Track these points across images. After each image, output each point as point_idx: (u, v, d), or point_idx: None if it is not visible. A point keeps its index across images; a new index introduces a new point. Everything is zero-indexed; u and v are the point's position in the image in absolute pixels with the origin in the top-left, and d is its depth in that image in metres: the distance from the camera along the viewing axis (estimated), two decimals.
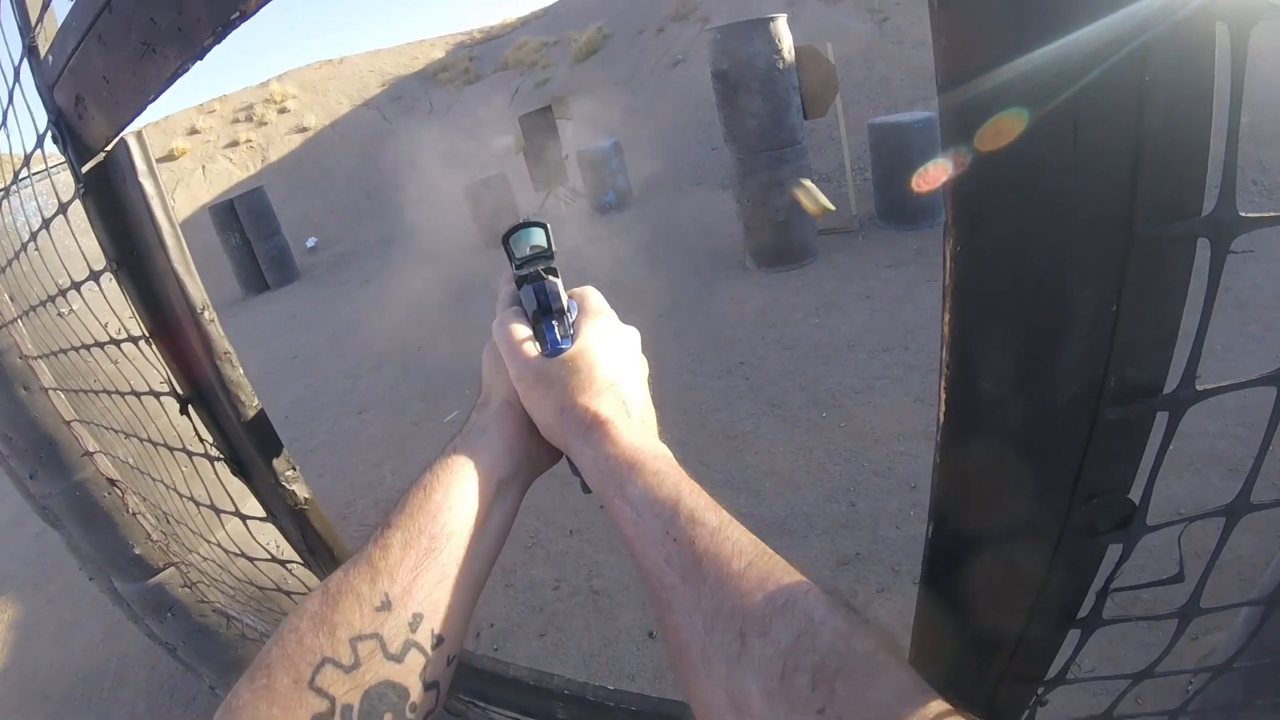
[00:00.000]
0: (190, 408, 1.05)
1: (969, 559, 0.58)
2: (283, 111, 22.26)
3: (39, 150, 0.96)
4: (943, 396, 0.51)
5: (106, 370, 1.35)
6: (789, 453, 4.49)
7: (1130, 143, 0.39)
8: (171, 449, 1.28)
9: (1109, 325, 0.44)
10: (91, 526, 2.08)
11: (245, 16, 0.60)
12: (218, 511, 1.27)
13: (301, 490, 1.06)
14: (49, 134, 0.90)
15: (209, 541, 1.73)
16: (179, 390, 1.05)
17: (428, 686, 0.56)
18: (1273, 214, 0.39)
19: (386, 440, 6.17)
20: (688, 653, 0.53)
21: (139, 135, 0.85)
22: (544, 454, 0.75)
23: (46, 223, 1.09)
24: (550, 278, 0.78)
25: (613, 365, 0.72)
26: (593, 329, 0.75)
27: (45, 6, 0.88)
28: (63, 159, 0.91)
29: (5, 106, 1.03)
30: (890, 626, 0.48)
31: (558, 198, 12.80)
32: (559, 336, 0.74)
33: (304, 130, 21.49)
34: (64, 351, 1.54)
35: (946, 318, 0.48)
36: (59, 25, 0.85)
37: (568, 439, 0.69)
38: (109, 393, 1.44)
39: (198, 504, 1.38)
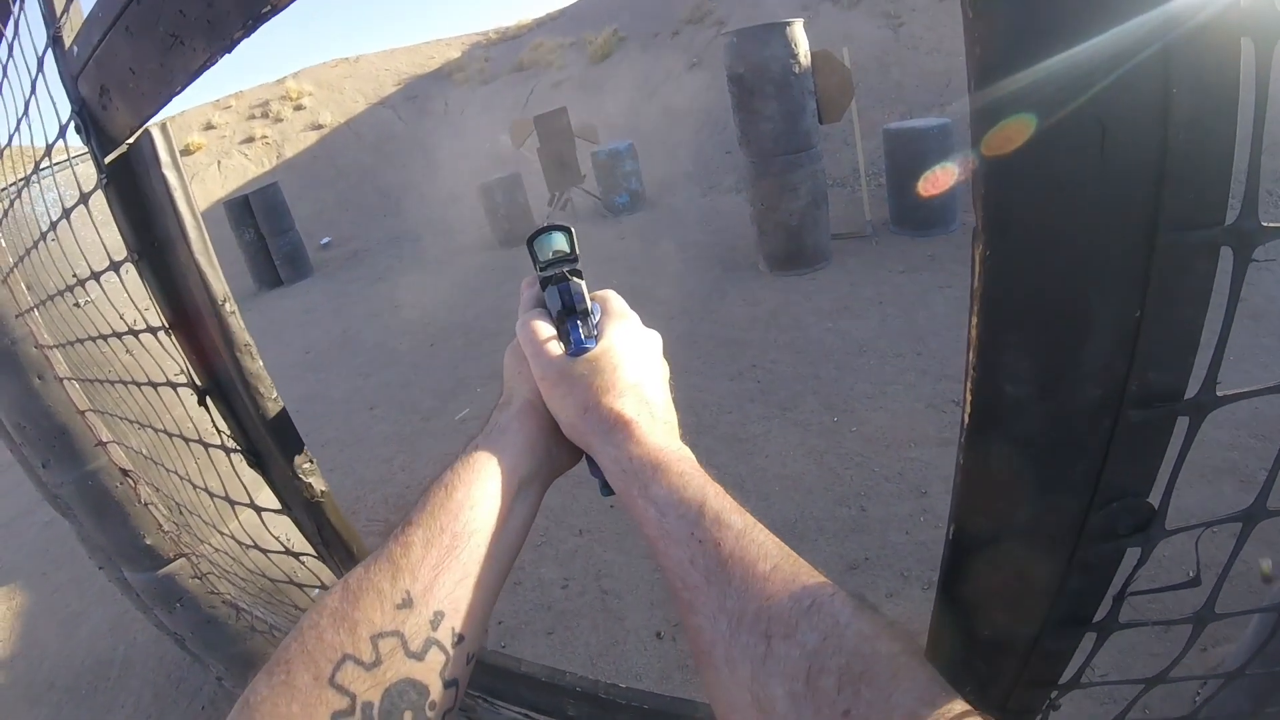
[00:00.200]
0: (208, 399, 1.06)
1: (988, 561, 0.58)
2: (298, 109, 22.31)
3: (60, 140, 0.96)
4: (968, 399, 0.51)
5: (122, 360, 1.35)
6: (800, 456, 4.48)
7: (1156, 153, 0.39)
8: (187, 440, 1.28)
9: (1133, 330, 0.44)
10: (103, 516, 2.09)
11: (276, 10, 0.60)
12: (232, 503, 1.28)
13: (318, 483, 1.07)
14: (71, 124, 0.91)
15: (221, 533, 1.74)
16: (197, 381, 1.05)
17: (447, 685, 0.56)
18: None
19: (397, 437, 6.18)
20: (711, 654, 0.53)
21: (163, 126, 0.85)
22: (564, 454, 0.75)
23: (67, 212, 1.09)
24: (575, 279, 0.79)
25: (636, 366, 0.73)
26: (616, 330, 0.75)
27: None
28: (83, 149, 0.91)
29: (28, 96, 1.04)
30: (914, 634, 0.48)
31: (571, 198, 12.80)
32: (583, 336, 0.74)
33: (319, 128, 21.54)
34: (80, 341, 1.54)
35: (974, 320, 0.48)
36: (84, 17, 0.85)
37: (590, 438, 0.69)
38: (125, 383, 1.45)
39: (211, 495, 1.38)
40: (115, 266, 1.02)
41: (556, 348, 0.74)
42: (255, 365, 0.97)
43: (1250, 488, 3.36)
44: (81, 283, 1.22)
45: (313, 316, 11.27)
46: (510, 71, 21.72)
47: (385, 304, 10.56)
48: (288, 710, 0.49)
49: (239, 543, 1.64)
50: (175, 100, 0.79)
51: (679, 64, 16.81)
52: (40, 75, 0.97)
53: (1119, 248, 0.42)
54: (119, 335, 1.23)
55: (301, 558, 1.32)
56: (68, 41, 0.88)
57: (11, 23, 1.04)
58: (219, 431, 1.12)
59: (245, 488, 1.19)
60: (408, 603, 0.56)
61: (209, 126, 21.70)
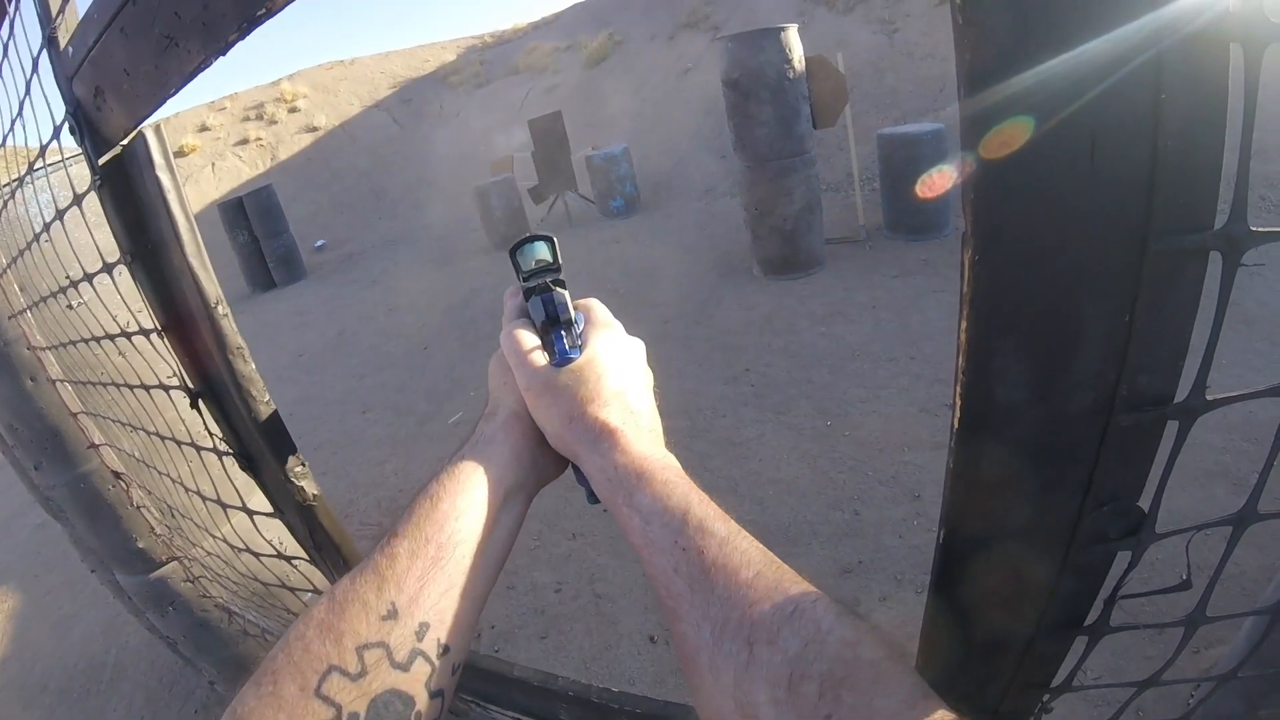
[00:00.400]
0: (200, 402, 1.05)
1: (979, 564, 0.58)
2: (293, 111, 22.29)
3: (54, 141, 0.96)
4: (958, 403, 0.51)
5: (115, 363, 1.35)
6: (793, 460, 4.48)
7: (1146, 159, 0.39)
8: (179, 443, 1.28)
9: (1123, 335, 0.44)
10: (95, 519, 2.08)
11: (271, 13, 0.60)
12: (224, 506, 1.27)
13: (310, 487, 1.06)
14: (65, 125, 0.91)
15: (213, 536, 1.73)
16: (189, 384, 1.05)
17: (433, 695, 0.57)
18: None
19: (390, 440, 6.17)
20: (696, 661, 0.53)
21: (157, 128, 0.85)
22: (550, 464, 0.76)
23: (61, 213, 1.09)
24: (558, 289, 0.79)
25: (620, 375, 0.73)
26: (600, 340, 0.75)
27: None
28: (77, 151, 0.91)
29: (22, 97, 1.04)
30: (892, 635, 0.48)
31: (566, 201, 12.81)
32: (567, 346, 0.75)
33: (314, 130, 21.52)
34: (73, 343, 1.54)
35: (964, 325, 0.48)
36: (80, 17, 0.85)
37: (576, 448, 0.69)
38: (117, 385, 1.44)
39: (203, 498, 1.38)
40: (108, 268, 1.02)
41: (541, 358, 0.74)
42: (248, 368, 0.96)
43: (1242, 491, 3.36)
44: (74, 284, 1.22)
45: (307, 319, 11.26)
46: (505, 75, 21.75)
47: (379, 307, 10.56)
48: None
49: (231, 546, 1.63)
50: (170, 101, 0.79)
51: (674, 68, 16.83)
52: (35, 76, 0.97)
53: (1109, 253, 0.42)
54: (111, 337, 1.22)
55: (294, 561, 1.31)
56: (63, 42, 0.88)
57: (7, 23, 1.04)
58: (211, 434, 1.11)
59: (237, 491, 1.19)
60: (393, 614, 0.56)
61: (203, 128, 21.67)
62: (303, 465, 1.06)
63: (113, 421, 1.76)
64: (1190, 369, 0.47)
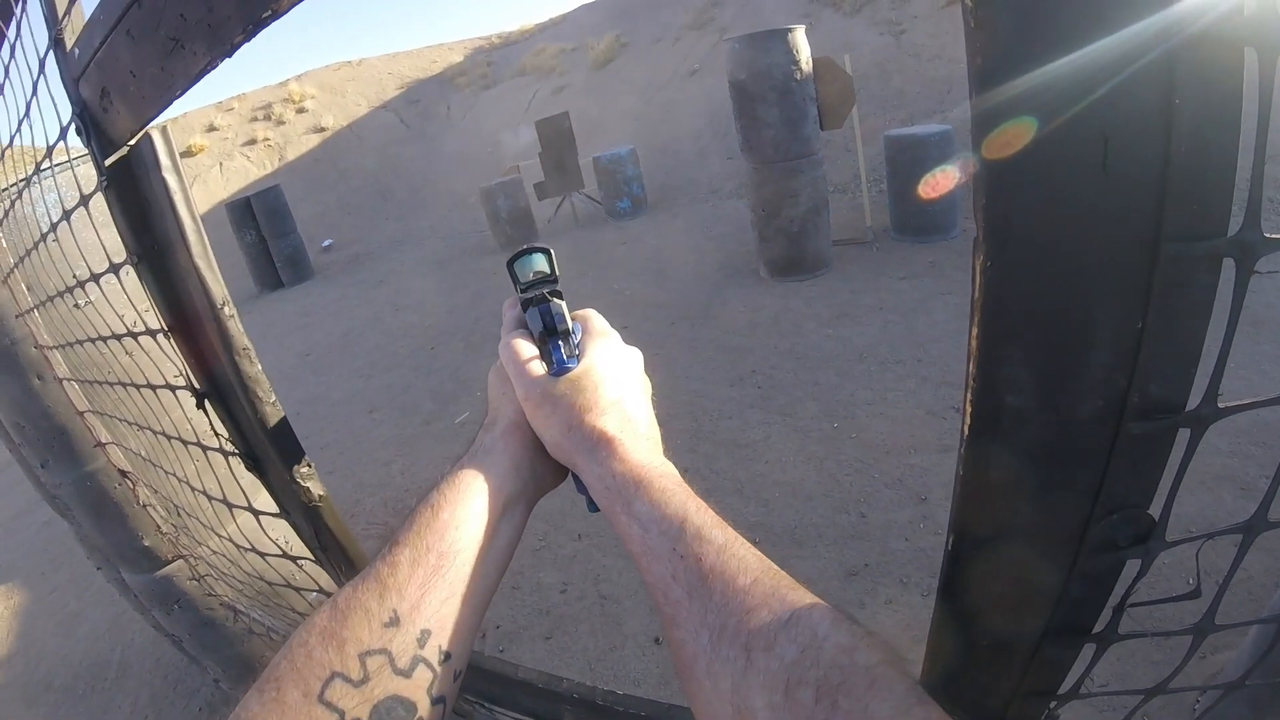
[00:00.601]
0: (206, 402, 1.05)
1: (988, 571, 0.58)
2: (301, 111, 22.36)
3: (61, 142, 0.96)
4: (967, 409, 0.51)
5: (122, 362, 1.35)
6: (799, 462, 4.48)
7: (1158, 164, 0.39)
8: (185, 443, 1.28)
9: (1134, 342, 0.44)
10: (101, 517, 2.09)
11: (277, 15, 0.60)
12: (230, 506, 1.27)
13: (316, 487, 1.06)
14: (72, 126, 0.91)
15: (219, 535, 1.74)
16: (195, 384, 1.05)
17: (435, 701, 0.57)
18: None
19: (396, 440, 6.18)
20: (694, 668, 0.54)
21: (163, 130, 0.85)
22: (550, 473, 0.76)
23: (68, 214, 1.09)
24: (555, 300, 0.80)
25: (618, 384, 0.74)
26: (598, 349, 0.76)
27: (73, 0, 0.89)
28: (84, 151, 0.91)
29: (29, 98, 1.04)
30: (898, 638, 0.48)
31: (573, 202, 12.83)
32: (565, 356, 0.76)
33: (321, 131, 21.58)
34: (80, 343, 1.54)
35: (974, 331, 0.48)
36: (86, 19, 0.85)
37: (574, 457, 0.70)
38: (124, 385, 1.45)
39: (209, 498, 1.38)
40: (115, 269, 1.02)
41: (539, 368, 0.75)
42: (254, 369, 0.96)
43: (1250, 495, 3.37)
44: (81, 284, 1.22)
45: (313, 319, 11.28)
46: (512, 76, 21.79)
47: (386, 307, 10.58)
48: None
49: (237, 545, 1.64)
50: (178, 102, 0.79)
51: (681, 70, 16.83)
52: (42, 77, 0.97)
53: (1121, 259, 0.42)
54: (118, 337, 1.22)
55: (299, 561, 1.32)
56: (69, 44, 0.88)
57: (14, 24, 1.04)
58: (217, 434, 1.12)
59: (243, 491, 1.19)
60: (395, 621, 0.56)
61: (211, 128, 21.75)
62: (308, 466, 1.06)
63: (119, 420, 1.77)
64: (1202, 375, 0.46)
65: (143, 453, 1.81)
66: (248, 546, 1.51)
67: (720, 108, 11.68)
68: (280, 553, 1.34)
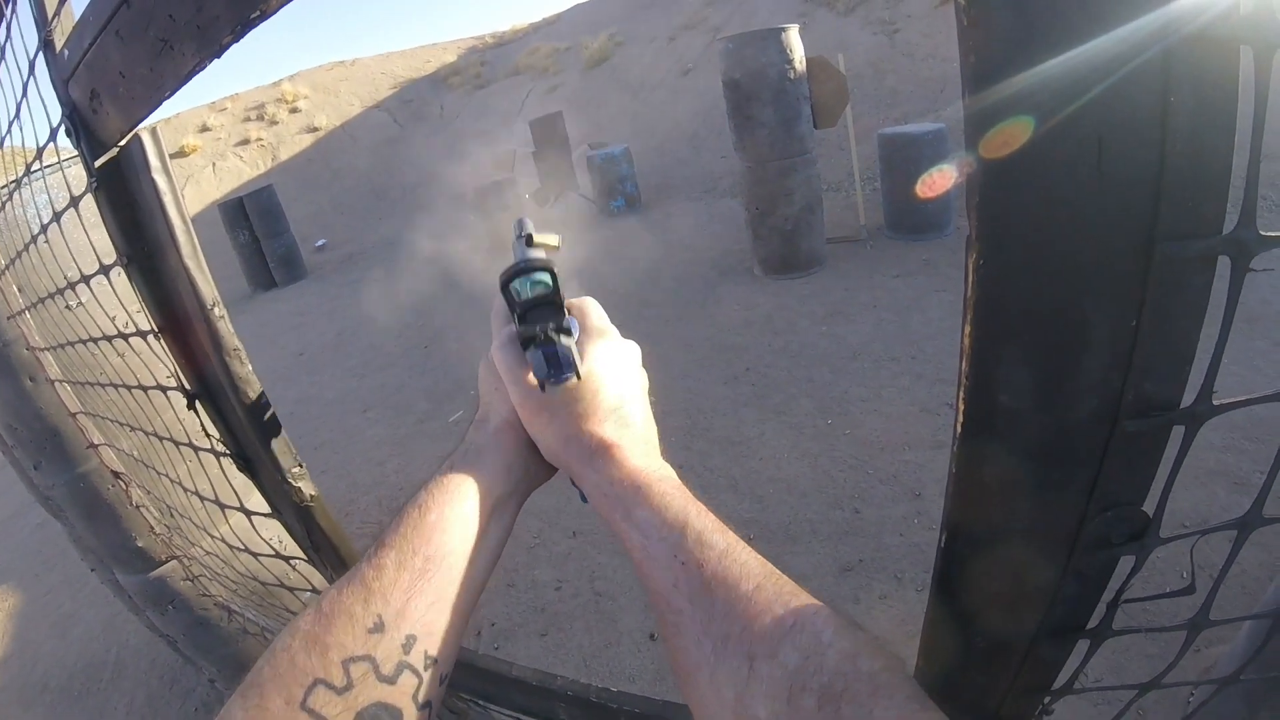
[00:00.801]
0: (197, 403, 1.05)
1: (981, 568, 0.58)
2: (294, 111, 22.32)
3: (51, 144, 0.96)
4: (961, 408, 0.51)
5: (113, 363, 1.35)
6: (794, 459, 4.49)
7: (1154, 163, 0.39)
8: (177, 443, 1.28)
9: (1129, 341, 0.44)
10: (94, 518, 2.08)
11: (265, 16, 0.60)
12: (222, 506, 1.27)
13: (307, 487, 1.06)
14: (62, 128, 0.91)
15: (212, 536, 1.73)
16: (186, 385, 1.05)
17: (420, 707, 0.56)
18: None
19: (390, 440, 6.18)
20: (696, 677, 0.53)
21: (153, 131, 0.85)
22: (542, 470, 0.75)
23: (58, 215, 1.09)
24: (563, 339, 0.68)
25: (616, 387, 0.72)
26: (596, 351, 0.73)
27: (62, 1, 0.88)
28: (74, 153, 0.91)
29: (19, 99, 1.03)
30: (891, 634, 0.48)
31: (566, 202, 12.82)
32: (563, 365, 0.71)
33: (315, 130, 21.55)
34: (72, 344, 1.54)
35: (968, 329, 0.48)
36: (75, 20, 0.85)
37: (573, 465, 0.69)
38: (116, 386, 1.44)
39: (202, 498, 1.38)
40: (105, 270, 1.01)
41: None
42: (244, 369, 0.96)
43: (1243, 490, 3.38)
44: (72, 286, 1.22)
45: (307, 319, 11.26)
46: (506, 76, 21.78)
47: (380, 307, 10.56)
48: None
49: (230, 546, 1.63)
50: (170, 102, 0.79)
51: (675, 69, 16.83)
52: (31, 78, 0.97)
53: (1115, 257, 0.42)
54: (109, 339, 1.22)
55: (292, 561, 1.31)
56: (59, 45, 0.88)
57: (3, 26, 1.04)
58: (209, 435, 1.11)
59: (235, 491, 1.19)
60: (380, 627, 0.56)
61: (204, 128, 21.70)
62: (300, 466, 1.06)
63: (112, 422, 1.76)
64: (1197, 372, 0.46)
65: (135, 454, 1.81)
66: (241, 547, 1.51)
67: (714, 107, 11.69)
68: (273, 553, 1.34)
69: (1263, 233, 0.39)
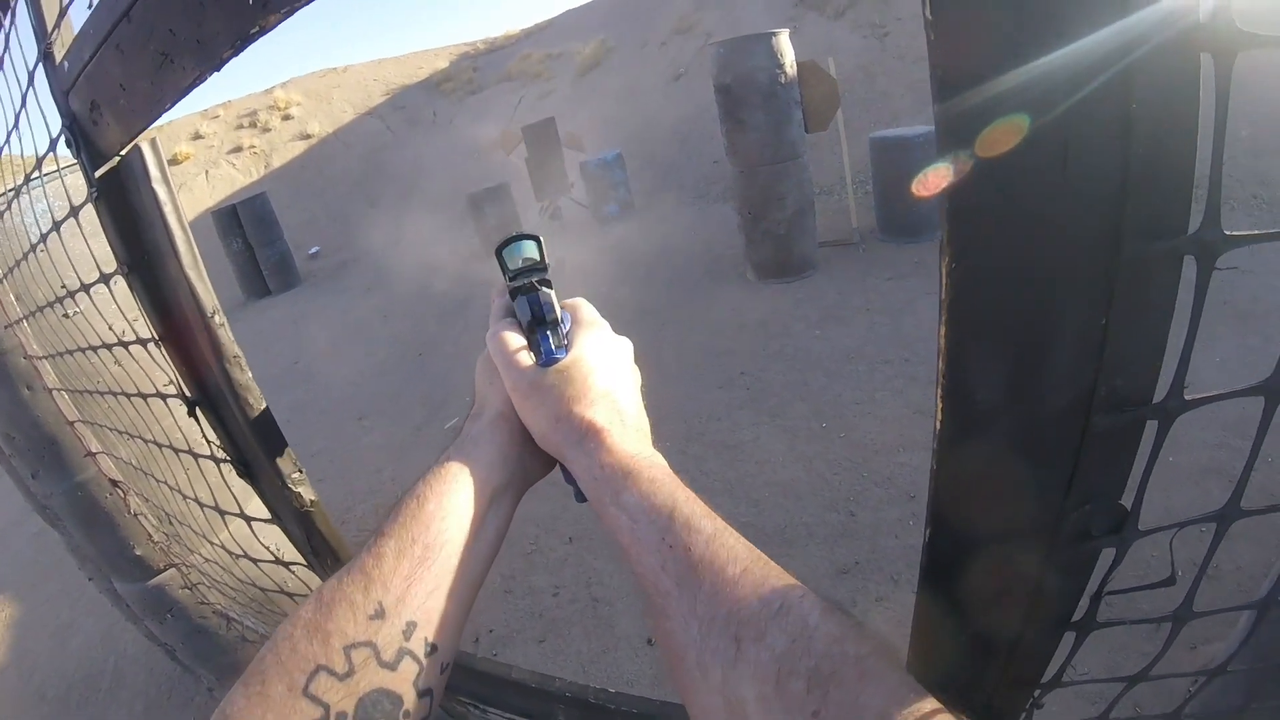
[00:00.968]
0: (197, 410, 1.06)
1: (965, 564, 0.59)
2: (286, 118, 22.28)
3: (51, 152, 0.97)
4: (939, 406, 0.52)
5: (111, 371, 1.36)
6: (789, 462, 4.49)
7: (1118, 167, 0.40)
8: (176, 450, 1.29)
9: (1098, 339, 0.45)
10: (92, 527, 2.09)
11: (264, 31, 0.61)
12: (222, 513, 1.28)
13: (307, 493, 1.07)
14: (62, 138, 0.92)
15: (211, 543, 1.74)
16: (186, 393, 1.06)
17: (421, 694, 0.57)
18: (1257, 233, 0.40)
19: (387, 446, 6.17)
20: (684, 659, 0.54)
21: (153, 142, 0.86)
22: (538, 463, 0.75)
23: (58, 225, 1.10)
24: (544, 289, 0.78)
25: (607, 374, 0.73)
26: (587, 339, 0.75)
27: (62, 14, 0.90)
28: (72, 161, 0.92)
29: (18, 110, 1.04)
30: (889, 635, 0.48)
31: (559, 207, 12.82)
32: (553, 346, 0.74)
33: (307, 137, 21.51)
34: (69, 353, 1.55)
35: (943, 330, 0.49)
36: (75, 32, 0.86)
37: (562, 448, 0.69)
38: (114, 394, 1.45)
39: (201, 505, 1.38)
40: (105, 279, 1.02)
41: (527, 358, 0.74)
42: (244, 376, 0.97)
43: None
44: (71, 294, 1.22)
45: (301, 326, 11.22)
46: (498, 82, 21.76)
47: (374, 314, 10.55)
48: None
49: (229, 553, 1.64)
50: None
51: (666, 74, 16.84)
52: (31, 89, 0.98)
53: (1083, 259, 0.43)
54: (108, 346, 1.23)
55: (292, 567, 1.32)
56: (59, 57, 0.89)
57: (3, 37, 1.05)
58: (208, 442, 1.12)
59: (235, 498, 1.19)
60: (380, 613, 0.56)
61: (197, 136, 21.64)
62: (300, 472, 1.06)
63: (110, 430, 1.77)
64: (1172, 368, 0.48)
65: (133, 462, 1.81)
66: (240, 553, 1.51)
67: (706, 112, 11.68)
68: (273, 559, 1.35)
69: (1228, 232, 0.40)
